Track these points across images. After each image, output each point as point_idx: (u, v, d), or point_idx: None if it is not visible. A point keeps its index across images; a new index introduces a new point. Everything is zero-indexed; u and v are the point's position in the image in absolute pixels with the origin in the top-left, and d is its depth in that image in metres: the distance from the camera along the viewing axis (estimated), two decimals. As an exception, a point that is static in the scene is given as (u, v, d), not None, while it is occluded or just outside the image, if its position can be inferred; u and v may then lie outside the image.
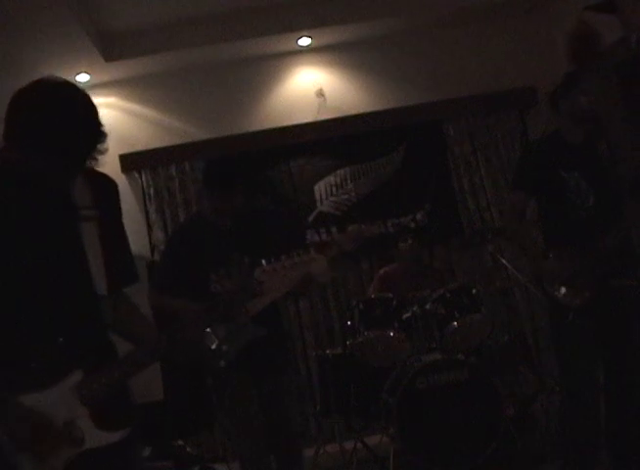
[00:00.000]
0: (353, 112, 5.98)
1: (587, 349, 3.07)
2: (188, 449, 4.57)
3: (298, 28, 5.70)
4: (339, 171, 6.00)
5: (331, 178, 6.00)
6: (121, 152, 5.86)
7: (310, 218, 5.93)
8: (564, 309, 3.07)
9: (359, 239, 3.25)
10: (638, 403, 3.04)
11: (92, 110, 1.85)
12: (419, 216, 5.79)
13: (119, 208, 2.01)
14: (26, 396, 1.70)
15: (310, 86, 6.03)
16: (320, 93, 5.99)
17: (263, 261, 1.92)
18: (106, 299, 1.89)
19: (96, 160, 1.87)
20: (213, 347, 3.09)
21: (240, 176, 3.22)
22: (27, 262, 1.77)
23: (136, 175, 5.95)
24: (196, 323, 1.89)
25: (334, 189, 6.00)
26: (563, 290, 3.05)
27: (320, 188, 6.00)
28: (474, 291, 4.29)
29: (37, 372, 1.73)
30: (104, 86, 5.91)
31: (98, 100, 6.62)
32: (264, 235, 3.23)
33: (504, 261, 4.59)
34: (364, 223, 5.78)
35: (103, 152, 1.87)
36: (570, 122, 3.14)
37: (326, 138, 5.94)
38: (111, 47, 5.52)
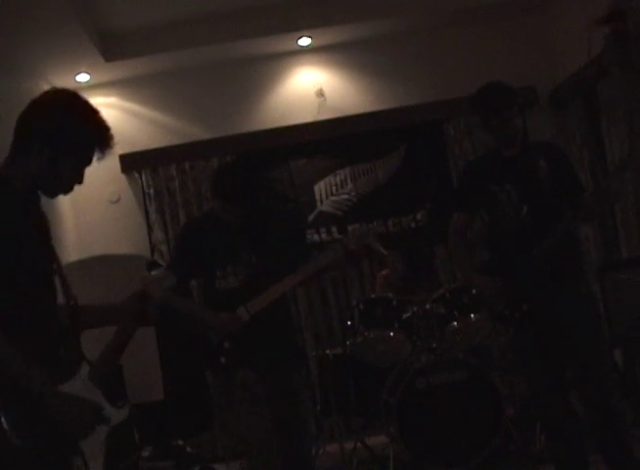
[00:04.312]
0: (353, 112, 5.97)
1: (539, 355, 3.10)
2: (188, 449, 4.57)
3: (298, 28, 5.69)
4: (339, 171, 6.00)
5: (331, 178, 6.00)
6: (121, 152, 5.85)
7: (310, 218, 5.93)
8: (506, 323, 3.09)
9: (364, 239, 3.28)
10: (610, 398, 3.04)
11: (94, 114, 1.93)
12: (419, 216, 5.79)
13: None
14: (60, 386, 1.82)
15: (310, 86, 6.03)
16: (320, 93, 5.99)
17: None
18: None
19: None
20: (216, 343, 3.13)
21: (242, 189, 3.19)
22: (38, 270, 1.88)
23: (136, 175, 5.95)
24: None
25: (334, 189, 6.00)
26: (501, 304, 3.07)
27: (320, 188, 6.00)
28: (474, 291, 4.29)
29: (61, 366, 1.87)
30: (104, 86, 5.91)
31: (98, 100, 6.69)
32: (271, 235, 3.27)
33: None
34: (364, 223, 5.82)
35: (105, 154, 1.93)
36: (500, 143, 3.18)
37: (326, 138, 5.94)
38: (111, 47, 5.51)
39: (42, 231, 1.92)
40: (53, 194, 1.94)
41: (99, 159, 1.93)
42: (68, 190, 1.93)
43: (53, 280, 1.92)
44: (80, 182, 1.94)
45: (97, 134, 1.91)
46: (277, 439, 3.18)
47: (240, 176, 3.21)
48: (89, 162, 1.94)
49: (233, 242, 3.21)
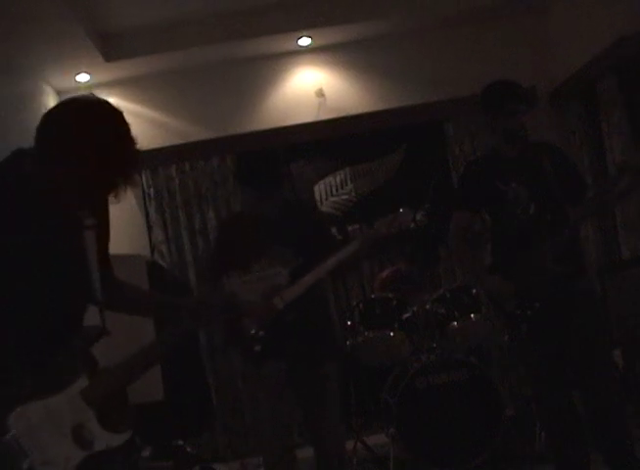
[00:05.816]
0: (353, 112, 5.97)
1: (548, 354, 3.11)
2: (188, 449, 4.57)
3: (298, 28, 5.69)
4: (339, 172, 6.00)
5: (331, 179, 6.00)
6: (121, 152, 5.85)
7: (310, 219, 5.93)
8: (518, 321, 3.10)
9: (397, 225, 3.25)
10: (612, 398, 3.05)
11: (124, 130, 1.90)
12: (419, 217, 5.78)
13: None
14: (40, 399, 1.69)
15: (310, 86, 6.02)
16: (320, 93, 5.99)
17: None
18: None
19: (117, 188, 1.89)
20: (252, 332, 3.13)
21: (275, 173, 3.29)
22: (39, 272, 1.81)
23: (136, 175, 5.94)
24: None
25: (334, 189, 6.00)
26: (513, 303, 3.07)
27: (320, 188, 5.99)
28: (474, 291, 4.30)
29: (53, 376, 1.75)
30: (104, 86, 5.90)
31: (98, 100, 6.54)
32: (304, 228, 3.28)
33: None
34: (364, 224, 5.80)
35: (132, 182, 1.91)
36: (502, 140, 3.18)
37: (326, 138, 5.94)
38: (111, 47, 5.51)
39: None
40: None
41: None
42: None
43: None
44: None
45: None
46: (309, 434, 3.23)
47: (268, 164, 3.30)
48: None
49: (265, 235, 3.22)
